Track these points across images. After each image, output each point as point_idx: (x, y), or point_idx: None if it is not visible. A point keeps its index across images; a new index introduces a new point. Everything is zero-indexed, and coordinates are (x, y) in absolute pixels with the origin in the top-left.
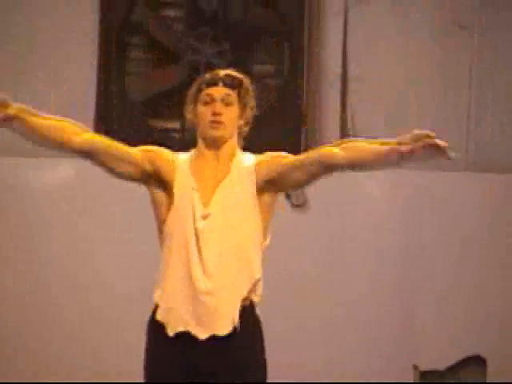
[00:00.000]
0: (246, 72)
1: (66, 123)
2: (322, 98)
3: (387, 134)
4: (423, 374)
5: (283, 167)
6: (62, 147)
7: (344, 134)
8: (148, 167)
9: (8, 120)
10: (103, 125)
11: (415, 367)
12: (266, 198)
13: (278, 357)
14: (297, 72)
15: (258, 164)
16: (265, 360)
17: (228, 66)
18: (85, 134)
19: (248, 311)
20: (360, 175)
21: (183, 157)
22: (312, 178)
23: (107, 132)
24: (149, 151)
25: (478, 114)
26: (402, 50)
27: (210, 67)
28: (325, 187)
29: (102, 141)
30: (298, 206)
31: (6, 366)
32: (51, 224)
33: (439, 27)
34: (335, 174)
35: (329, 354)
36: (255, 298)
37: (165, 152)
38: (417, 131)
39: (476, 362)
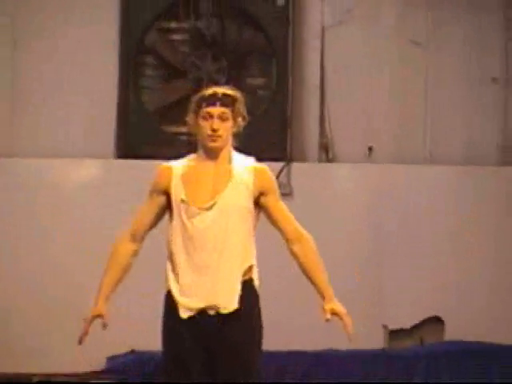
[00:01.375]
0: (240, 85)
1: (122, 251)
2: (304, 105)
3: (356, 130)
4: (391, 332)
5: (266, 201)
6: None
7: (322, 133)
8: (162, 198)
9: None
10: (123, 130)
11: (384, 327)
12: (255, 203)
13: (271, 318)
14: (283, 84)
15: (256, 172)
16: (260, 327)
17: (226, 81)
18: (132, 236)
19: (247, 287)
20: (334, 172)
21: (178, 166)
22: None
23: (126, 136)
24: (154, 186)
25: (433, 117)
26: (368, 65)
27: (211, 81)
28: (306, 180)
29: (141, 223)
30: (285, 194)
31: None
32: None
33: (398, 45)
34: (316, 170)
35: (311, 316)
36: (253, 275)
37: (163, 168)
38: (340, 310)
39: (435, 321)
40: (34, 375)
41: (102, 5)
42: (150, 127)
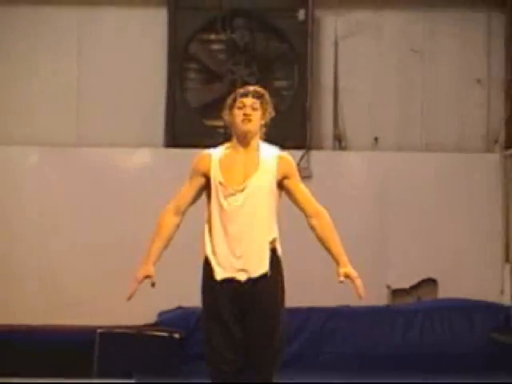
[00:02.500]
0: (268, 86)
1: (167, 223)
2: (320, 102)
3: (364, 123)
4: (393, 291)
5: (289, 183)
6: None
7: (336, 125)
8: (202, 179)
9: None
10: (170, 124)
11: (388, 286)
12: (279, 185)
13: (293, 279)
14: (303, 86)
15: (280, 159)
16: (283, 287)
17: (256, 83)
18: (175, 210)
19: (274, 260)
20: (346, 159)
21: (216, 153)
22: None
23: (173, 129)
24: (194, 170)
25: (429, 112)
26: (374, 69)
27: (244, 84)
28: (323, 165)
29: (183, 200)
30: (305, 177)
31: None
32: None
33: (399, 52)
34: (331, 157)
35: (327, 277)
36: (277, 245)
37: (203, 155)
38: (352, 273)
39: (430, 282)
40: (99, 327)
41: (154, 21)
42: (192, 121)
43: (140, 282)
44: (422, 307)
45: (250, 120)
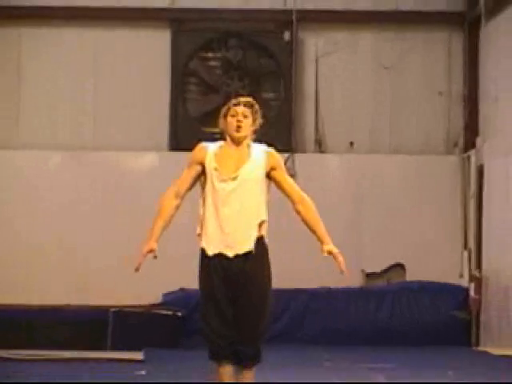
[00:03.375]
0: (257, 97)
1: (168, 205)
2: (303, 112)
3: (341, 129)
4: (367, 275)
5: (276, 174)
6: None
7: (316, 131)
8: (198, 167)
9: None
10: (174, 130)
11: (362, 271)
12: (267, 176)
13: (279, 263)
14: (288, 97)
15: (268, 154)
16: (270, 269)
17: (248, 95)
18: (175, 193)
19: (259, 241)
20: (325, 160)
21: (212, 146)
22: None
23: (176, 134)
24: (193, 158)
25: (397, 120)
26: (350, 83)
27: (237, 95)
28: (305, 165)
29: (182, 185)
30: (290, 175)
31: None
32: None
33: (372, 68)
34: (312, 159)
35: (309, 261)
36: (263, 233)
37: (201, 146)
38: (335, 250)
39: (399, 267)
40: (112, 307)
41: (159, 41)
42: (193, 128)
43: (145, 256)
44: (391, 289)
45: (241, 128)
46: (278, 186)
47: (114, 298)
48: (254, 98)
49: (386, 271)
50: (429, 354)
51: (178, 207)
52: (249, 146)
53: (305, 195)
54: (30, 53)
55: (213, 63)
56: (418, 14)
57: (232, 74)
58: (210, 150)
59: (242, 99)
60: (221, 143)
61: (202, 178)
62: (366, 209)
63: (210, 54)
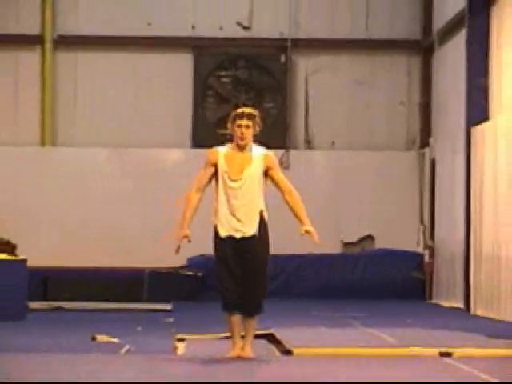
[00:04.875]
0: (260, 107)
1: (193, 199)
2: (296, 117)
3: (325, 131)
4: (345, 244)
5: (271, 173)
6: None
7: (306, 133)
8: (212, 168)
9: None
10: (195, 132)
11: (341, 241)
12: (264, 174)
13: (275, 234)
14: (284, 106)
15: (265, 157)
16: (268, 246)
17: (253, 104)
18: (197, 189)
19: (261, 225)
20: (313, 155)
21: (222, 149)
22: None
23: (197, 135)
24: (208, 161)
25: (369, 123)
26: (332, 95)
27: (244, 105)
28: (297, 159)
29: (201, 182)
30: (285, 167)
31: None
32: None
33: (348, 83)
34: (303, 154)
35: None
36: (265, 217)
37: (213, 150)
38: (311, 229)
39: (369, 238)
40: (147, 268)
41: (183, 62)
42: (210, 130)
43: (181, 240)
44: (364, 255)
45: (244, 138)
46: (272, 181)
47: (149, 261)
48: (256, 108)
49: (359, 241)
50: (393, 305)
51: (200, 199)
52: (251, 149)
53: (292, 188)
54: (84, 71)
55: (225, 80)
56: (385, 42)
57: (240, 88)
58: (220, 155)
59: (246, 111)
60: (228, 146)
61: (215, 176)
62: (344, 193)
63: (223, 73)
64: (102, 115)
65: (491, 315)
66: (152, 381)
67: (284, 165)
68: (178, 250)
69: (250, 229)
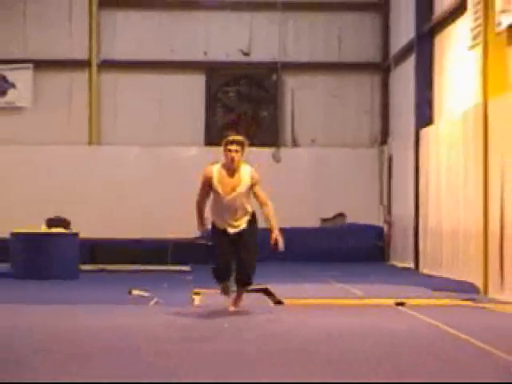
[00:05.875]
0: (256, 115)
1: (201, 205)
2: (285, 121)
3: (307, 132)
4: (322, 220)
5: (253, 188)
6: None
7: (293, 133)
8: (208, 186)
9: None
10: (207, 133)
11: (320, 217)
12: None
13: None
14: (275, 113)
15: (251, 176)
16: (257, 235)
17: (251, 112)
18: (202, 199)
19: (250, 221)
20: (297, 151)
21: (215, 167)
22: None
23: (209, 136)
24: (204, 180)
25: (340, 126)
26: (313, 105)
27: (244, 114)
28: (286, 154)
29: (205, 194)
30: (277, 160)
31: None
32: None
33: (326, 96)
34: (290, 150)
35: (288, 211)
36: (255, 215)
37: (208, 171)
38: (278, 236)
39: (342, 215)
40: (171, 239)
41: (199, 80)
42: (218, 131)
43: (203, 231)
44: (338, 228)
45: (234, 161)
46: (254, 195)
47: (172, 233)
48: (254, 118)
49: (334, 217)
50: (360, 266)
51: (206, 205)
52: (240, 169)
53: (267, 201)
54: (122, 87)
55: (230, 94)
56: (353, 64)
57: (242, 100)
58: (214, 175)
59: (236, 139)
60: (220, 164)
61: (211, 189)
62: (322, 180)
63: (229, 88)
64: (135, 121)
65: (434, 273)
66: (173, 325)
67: (276, 158)
68: (202, 236)
69: (241, 225)
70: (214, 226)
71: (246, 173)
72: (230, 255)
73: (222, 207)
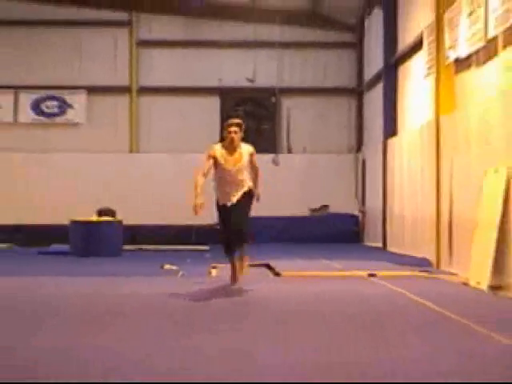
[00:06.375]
0: (257, 126)
1: (200, 181)
2: (281, 132)
3: (299, 141)
4: (311, 209)
5: (251, 159)
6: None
7: (288, 141)
8: (212, 159)
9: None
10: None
11: (309, 208)
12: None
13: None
14: (274, 126)
15: (250, 151)
16: (250, 206)
17: (255, 126)
18: (202, 174)
19: (245, 194)
20: (292, 157)
21: (217, 147)
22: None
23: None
24: (208, 155)
25: (324, 137)
26: (303, 121)
27: (249, 128)
28: (283, 160)
29: (205, 168)
30: (276, 164)
31: None
32: None
33: (313, 116)
34: (286, 156)
35: (285, 203)
36: (252, 189)
37: (211, 147)
38: (258, 192)
39: (326, 206)
40: (194, 225)
41: (214, 102)
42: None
43: (200, 207)
44: (323, 216)
45: (234, 141)
46: (250, 162)
47: (195, 220)
48: (255, 127)
49: (320, 208)
50: (341, 247)
51: (205, 181)
52: (240, 146)
53: (258, 168)
54: (155, 108)
55: (239, 112)
56: (335, 89)
57: (248, 117)
58: (217, 151)
59: (235, 121)
60: (221, 144)
61: (214, 165)
62: (311, 179)
63: (238, 108)
64: (165, 134)
65: (398, 251)
66: (195, 291)
67: (275, 162)
68: (197, 213)
69: (236, 198)
70: (217, 203)
71: (245, 149)
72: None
73: (225, 181)
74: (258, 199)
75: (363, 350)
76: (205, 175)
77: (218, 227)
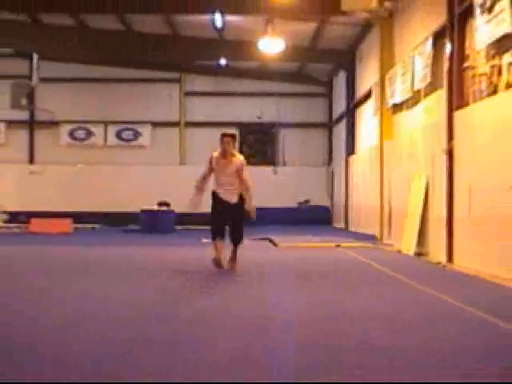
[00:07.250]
0: (263, 148)
1: (201, 183)
2: (278, 147)
3: (293, 155)
4: (299, 202)
5: (240, 168)
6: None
7: (283, 156)
8: (210, 166)
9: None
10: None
11: (297, 201)
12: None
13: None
14: (274, 149)
15: (241, 161)
16: (244, 208)
17: (262, 150)
18: (203, 177)
19: (239, 198)
20: (286, 169)
21: (215, 154)
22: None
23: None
24: (207, 161)
25: (307, 155)
26: (296, 140)
27: (257, 149)
28: (280, 171)
29: (205, 173)
30: (274, 173)
31: None
32: None
33: (301, 140)
34: (282, 168)
35: (277, 196)
36: (243, 195)
37: (210, 156)
38: (252, 207)
39: (309, 200)
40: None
41: (234, 132)
42: (246, 158)
43: (199, 201)
44: (307, 208)
45: (227, 152)
46: (239, 175)
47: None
48: (262, 151)
49: (304, 202)
50: (319, 228)
51: (207, 183)
52: (232, 155)
53: (248, 181)
54: (196, 136)
55: (251, 140)
56: (315, 123)
57: (257, 143)
58: (214, 159)
59: (228, 133)
60: (218, 152)
61: (213, 167)
62: (299, 184)
63: (250, 136)
64: (202, 152)
65: (355, 230)
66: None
67: (274, 172)
68: (195, 208)
69: (232, 200)
70: (213, 195)
71: (237, 158)
72: (223, 219)
73: (219, 179)
74: (250, 215)
75: (332, 294)
76: (205, 176)
77: (211, 217)
